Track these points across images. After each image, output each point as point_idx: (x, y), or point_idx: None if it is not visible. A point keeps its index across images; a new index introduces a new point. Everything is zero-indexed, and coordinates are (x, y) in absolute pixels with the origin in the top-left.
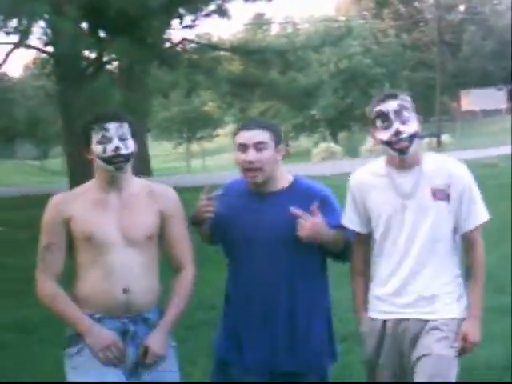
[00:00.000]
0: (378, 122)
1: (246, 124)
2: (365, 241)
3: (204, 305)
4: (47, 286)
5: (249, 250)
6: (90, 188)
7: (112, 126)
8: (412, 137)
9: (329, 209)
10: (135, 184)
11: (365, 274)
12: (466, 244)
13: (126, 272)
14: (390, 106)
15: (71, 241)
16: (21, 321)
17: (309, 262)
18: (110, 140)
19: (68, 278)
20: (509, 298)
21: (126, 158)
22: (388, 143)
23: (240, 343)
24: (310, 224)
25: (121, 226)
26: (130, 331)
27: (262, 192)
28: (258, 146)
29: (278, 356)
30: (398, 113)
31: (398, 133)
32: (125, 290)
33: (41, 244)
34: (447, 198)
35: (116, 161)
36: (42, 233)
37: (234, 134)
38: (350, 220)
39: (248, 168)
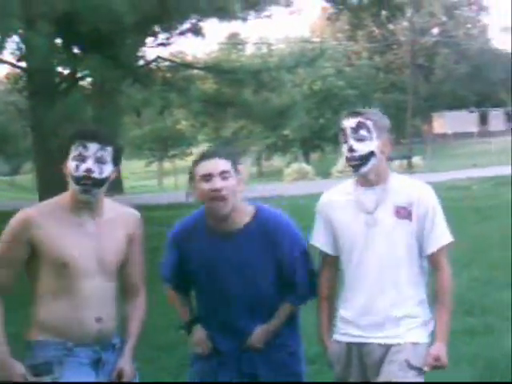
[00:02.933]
0: (341, 137)
1: (204, 155)
2: (331, 264)
3: (173, 325)
4: None
5: (216, 290)
6: (61, 206)
7: (92, 146)
8: (366, 156)
9: (287, 241)
10: (107, 208)
11: (330, 299)
12: (432, 268)
13: (99, 300)
14: (349, 122)
15: (31, 263)
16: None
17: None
18: (84, 159)
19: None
20: (476, 320)
21: (97, 182)
22: (346, 158)
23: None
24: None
25: (97, 254)
26: (102, 359)
27: (224, 231)
28: (223, 175)
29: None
30: (354, 130)
31: (350, 150)
32: (97, 319)
33: None
34: (409, 216)
35: (84, 182)
36: None
37: (192, 166)
38: (318, 241)
39: (214, 197)
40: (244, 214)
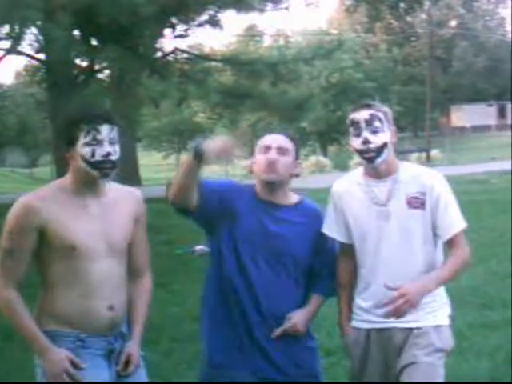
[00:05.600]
0: (351, 130)
1: (273, 130)
2: (348, 252)
3: (189, 317)
4: (5, 292)
5: (251, 253)
6: (62, 189)
7: (104, 129)
8: (381, 147)
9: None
10: (108, 188)
11: (348, 287)
12: (451, 250)
13: (110, 287)
14: (362, 114)
15: (40, 250)
16: (3, 327)
17: (299, 279)
18: (100, 143)
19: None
20: (496, 314)
21: (114, 164)
22: (358, 151)
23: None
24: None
25: (104, 234)
26: (116, 349)
27: (272, 202)
28: (281, 150)
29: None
30: (368, 122)
31: (365, 142)
32: (110, 308)
33: (2, 247)
34: (422, 206)
35: (104, 166)
36: (6, 236)
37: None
38: (331, 229)
39: (266, 167)
40: (291, 197)
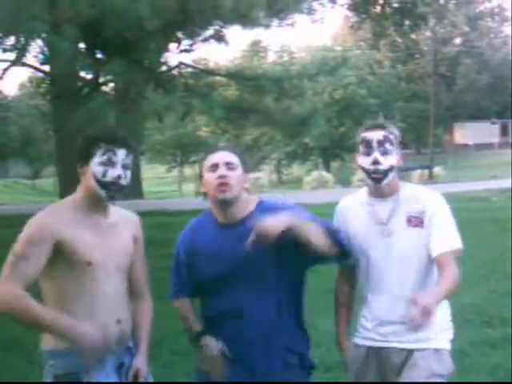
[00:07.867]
0: (361, 148)
1: (213, 149)
2: (348, 272)
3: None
4: (16, 291)
5: (226, 281)
6: (76, 206)
7: (121, 153)
8: (388, 170)
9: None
10: (110, 210)
11: (348, 305)
12: (439, 270)
13: (117, 301)
14: (375, 134)
15: (50, 267)
16: (4, 339)
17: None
18: (113, 165)
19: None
20: (496, 332)
21: (122, 188)
22: (366, 170)
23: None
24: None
25: (113, 252)
26: (125, 364)
27: (228, 221)
28: (229, 166)
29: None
30: (380, 143)
31: (375, 162)
32: (118, 321)
33: (15, 253)
34: (421, 224)
35: (112, 188)
36: (23, 243)
37: (201, 164)
38: None
39: (219, 183)
40: (248, 205)
